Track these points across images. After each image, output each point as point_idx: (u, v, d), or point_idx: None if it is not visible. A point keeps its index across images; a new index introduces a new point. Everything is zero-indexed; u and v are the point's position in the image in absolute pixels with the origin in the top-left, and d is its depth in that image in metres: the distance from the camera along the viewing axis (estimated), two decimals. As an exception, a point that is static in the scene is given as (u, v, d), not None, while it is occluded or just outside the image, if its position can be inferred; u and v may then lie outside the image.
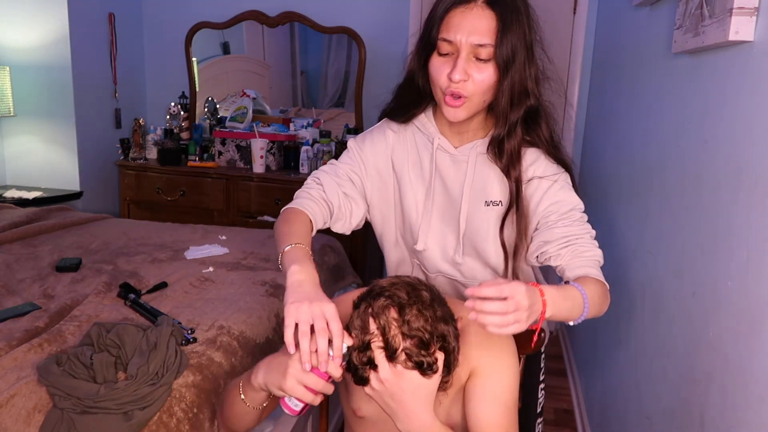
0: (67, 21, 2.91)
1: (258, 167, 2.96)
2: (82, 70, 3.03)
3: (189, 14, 3.31)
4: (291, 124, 3.20)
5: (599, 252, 1.06)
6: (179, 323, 1.44)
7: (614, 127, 2.13)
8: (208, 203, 3.04)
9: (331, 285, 2.08)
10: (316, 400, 0.89)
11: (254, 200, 2.97)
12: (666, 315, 1.30)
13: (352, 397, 1.08)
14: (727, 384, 0.95)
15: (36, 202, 2.85)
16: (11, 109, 2.99)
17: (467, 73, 1.01)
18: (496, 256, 1.16)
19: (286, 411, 0.91)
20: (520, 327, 0.84)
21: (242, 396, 0.97)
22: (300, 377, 0.87)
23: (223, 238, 2.23)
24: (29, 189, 3.01)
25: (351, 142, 1.24)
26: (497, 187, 1.13)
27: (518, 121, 1.07)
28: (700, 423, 1.05)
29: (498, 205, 1.14)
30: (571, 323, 0.97)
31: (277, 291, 1.73)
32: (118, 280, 1.74)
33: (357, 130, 3.11)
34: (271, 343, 1.56)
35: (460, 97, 1.03)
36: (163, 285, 1.73)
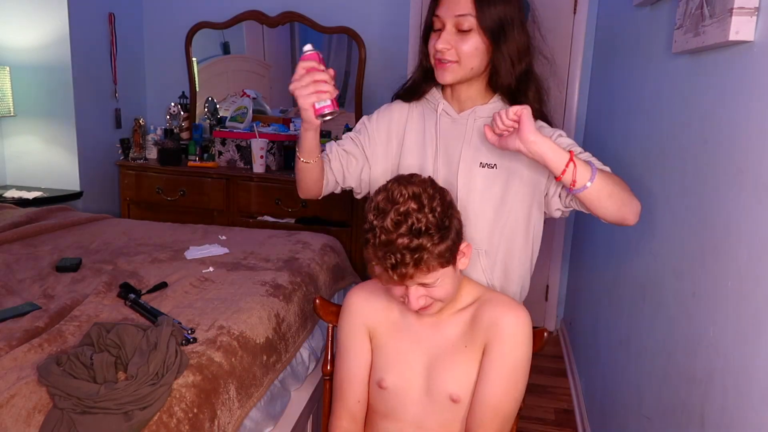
0: (67, 21, 2.91)
1: (258, 167, 2.96)
2: (82, 70, 3.03)
3: (189, 14, 3.31)
4: (291, 124, 3.20)
5: (608, 168, 1.21)
6: (179, 323, 1.44)
7: (614, 128, 2.13)
8: (208, 203, 3.04)
9: (331, 285, 2.08)
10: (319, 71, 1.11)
11: (254, 200, 2.97)
12: (666, 315, 1.30)
13: (377, 370, 1.18)
14: (727, 384, 0.95)
15: (36, 202, 2.85)
16: (11, 109, 2.99)
17: (450, 43, 1.17)
18: (480, 216, 1.24)
19: (327, 111, 1.12)
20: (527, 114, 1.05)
21: (302, 159, 1.23)
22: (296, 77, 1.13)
23: (223, 238, 2.23)
24: (29, 189, 3.01)
25: (361, 120, 1.38)
26: (492, 150, 1.23)
27: (525, 75, 1.22)
28: (700, 423, 1.05)
29: (493, 167, 1.23)
30: (588, 184, 1.09)
31: (277, 291, 1.73)
32: (118, 280, 1.74)
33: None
34: (271, 343, 1.56)
35: (448, 61, 1.19)
36: (163, 285, 1.73)
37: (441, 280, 1.03)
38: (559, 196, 1.22)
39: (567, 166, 1.07)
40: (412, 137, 1.30)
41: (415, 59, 1.33)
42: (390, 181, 1.07)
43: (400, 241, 0.97)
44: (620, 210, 1.14)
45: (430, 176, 1.09)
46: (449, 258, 1.02)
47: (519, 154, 1.14)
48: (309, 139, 1.20)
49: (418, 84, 1.30)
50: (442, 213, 1.00)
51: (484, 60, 1.19)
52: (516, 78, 1.20)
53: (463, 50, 1.17)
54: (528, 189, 1.23)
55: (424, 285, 1.03)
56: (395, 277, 0.99)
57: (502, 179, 1.23)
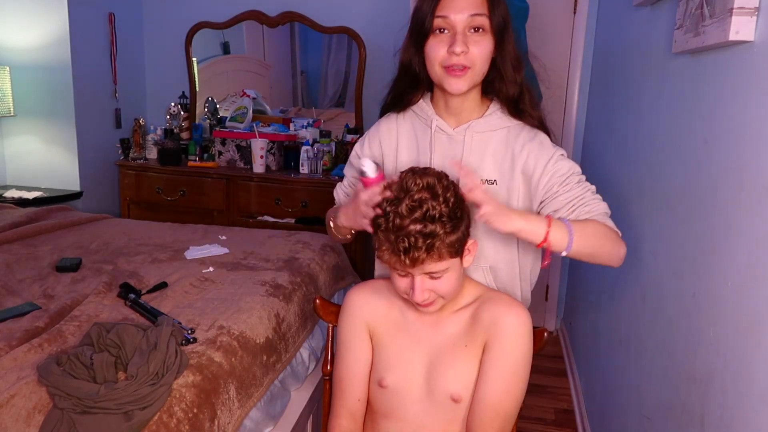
0: (67, 21, 2.91)
1: (258, 167, 2.96)
2: (82, 70, 3.03)
3: (189, 14, 3.31)
4: (291, 124, 3.20)
5: (603, 204, 1.18)
6: (179, 323, 1.44)
7: (614, 128, 2.13)
8: (208, 203, 3.04)
9: (331, 285, 2.08)
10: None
11: (254, 200, 2.97)
12: (666, 315, 1.30)
13: (377, 370, 1.18)
14: (727, 384, 0.95)
15: (36, 202, 2.85)
16: (11, 109, 2.99)
17: (467, 45, 1.09)
18: (484, 233, 1.22)
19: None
20: (491, 204, 1.02)
21: (335, 232, 1.32)
22: (361, 198, 1.09)
23: (223, 238, 2.23)
24: (29, 189, 3.01)
25: (353, 151, 1.36)
26: (491, 165, 1.20)
27: (523, 83, 1.17)
28: (700, 423, 1.05)
29: (493, 183, 1.19)
30: (563, 253, 1.11)
31: (277, 291, 1.73)
32: (118, 280, 1.74)
33: (357, 130, 3.11)
34: (271, 342, 1.56)
35: (463, 68, 1.11)
36: (163, 285, 1.73)
37: (448, 273, 1.04)
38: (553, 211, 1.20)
39: (540, 245, 1.09)
40: (404, 154, 1.27)
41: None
42: (404, 171, 1.07)
43: (413, 226, 0.98)
44: (600, 262, 1.16)
45: (442, 170, 1.08)
46: (458, 249, 1.04)
47: (517, 171, 1.17)
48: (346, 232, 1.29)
49: (407, 92, 1.24)
50: (455, 204, 1.02)
51: (488, 65, 1.15)
52: (518, 85, 1.17)
53: (477, 53, 1.11)
54: (529, 203, 1.21)
55: (431, 276, 1.03)
56: (407, 262, 0.99)
57: (503, 195, 1.20)
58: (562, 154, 1.18)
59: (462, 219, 1.03)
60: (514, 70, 1.16)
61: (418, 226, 0.98)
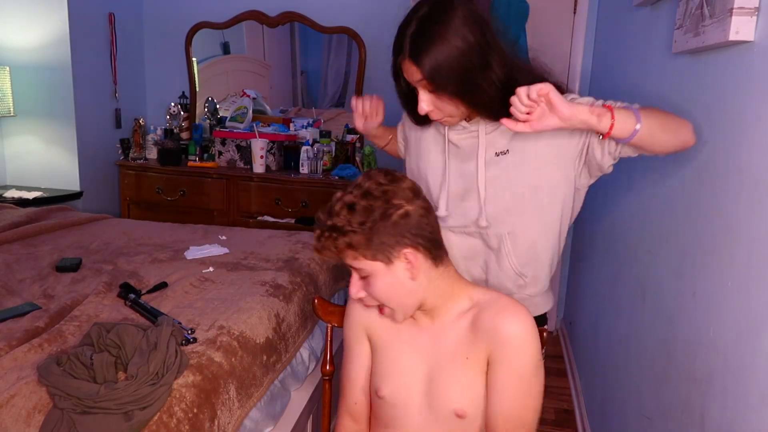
0: (67, 21, 2.92)
1: (258, 167, 2.97)
2: (82, 70, 3.03)
3: (189, 14, 3.32)
4: (291, 124, 3.20)
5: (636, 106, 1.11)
6: (179, 323, 1.44)
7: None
8: (208, 203, 3.04)
9: (331, 285, 2.08)
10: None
11: (254, 200, 2.97)
12: (666, 315, 1.30)
13: (374, 378, 1.16)
14: (727, 384, 0.95)
15: (36, 202, 2.85)
16: (11, 109, 2.99)
17: (432, 104, 1.13)
18: (499, 202, 1.21)
19: None
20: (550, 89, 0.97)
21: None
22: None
23: (223, 238, 2.23)
24: (29, 189, 3.02)
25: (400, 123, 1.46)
26: (503, 136, 1.19)
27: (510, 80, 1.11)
28: (700, 423, 1.05)
29: (506, 153, 1.19)
30: (638, 126, 1.02)
31: (277, 291, 1.73)
32: (118, 280, 1.74)
33: (357, 130, 3.11)
34: (271, 343, 1.56)
35: (441, 120, 1.17)
36: (163, 285, 1.73)
37: (374, 279, 1.01)
38: (604, 149, 1.14)
39: (611, 127, 1.01)
40: (431, 136, 1.29)
41: None
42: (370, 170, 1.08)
43: (326, 219, 1.01)
44: (677, 136, 1.07)
45: (408, 179, 1.04)
46: (376, 254, 0.99)
47: (533, 135, 1.13)
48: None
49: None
50: (381, 211, 0.98)
51: (466, 102, 1.13)
52: (499, 90, 1.10)
53: (445, 110, 1.14)
54: (550, 162, 1.17)
55: (360, 276, 1.04)
56: (315, 250, 1.04)
57: (516, 162, 1.18)
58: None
59: (383, 226, 0.98)
60: (494, 97, 1.10)
61: (328, 220, 1.00)
